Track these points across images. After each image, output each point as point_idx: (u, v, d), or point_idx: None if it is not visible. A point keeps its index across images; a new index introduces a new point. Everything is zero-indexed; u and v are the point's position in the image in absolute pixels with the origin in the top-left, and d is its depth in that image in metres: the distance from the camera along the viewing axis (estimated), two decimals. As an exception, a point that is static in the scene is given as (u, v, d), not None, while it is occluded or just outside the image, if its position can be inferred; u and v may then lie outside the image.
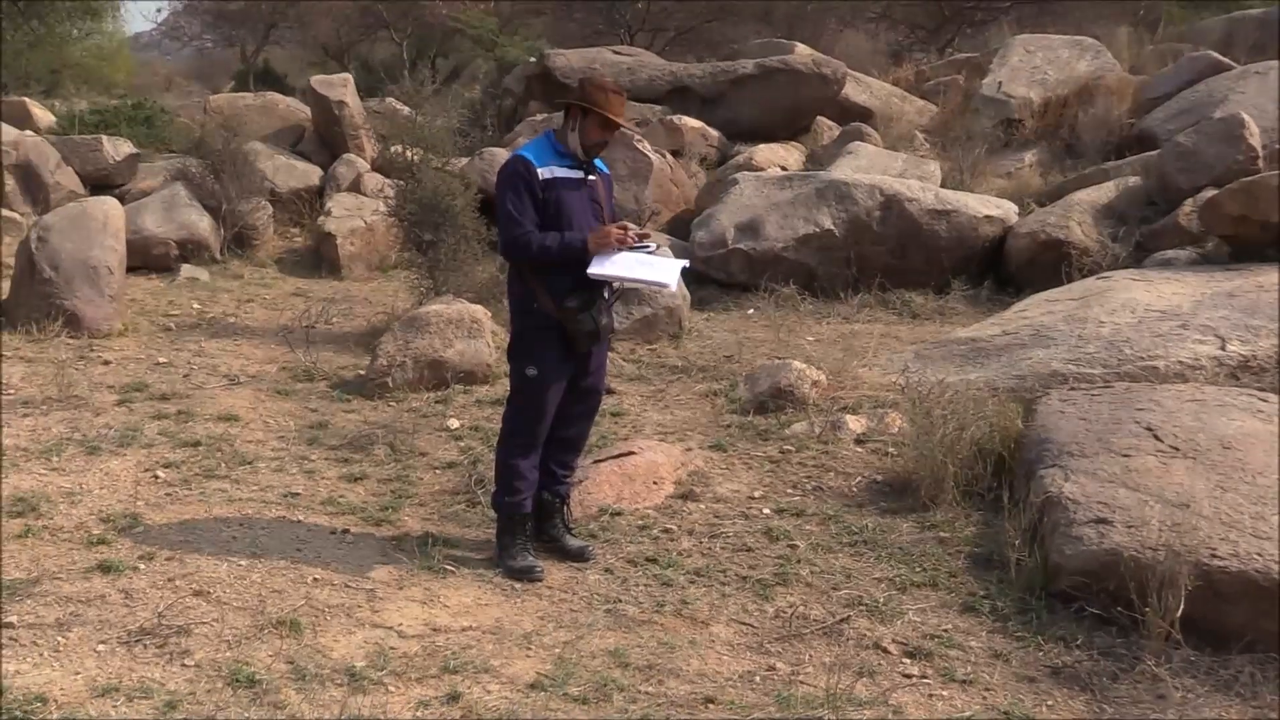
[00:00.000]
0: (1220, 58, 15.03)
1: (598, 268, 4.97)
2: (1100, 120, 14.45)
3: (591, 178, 5.19)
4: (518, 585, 5.03)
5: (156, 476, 6.18)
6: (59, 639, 4.37)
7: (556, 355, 5.09)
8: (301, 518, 5.71)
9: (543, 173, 5.03)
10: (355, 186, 13.65)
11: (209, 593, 4.81)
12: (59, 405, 7.30)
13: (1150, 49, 18.07)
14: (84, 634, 4.43)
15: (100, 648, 4.34)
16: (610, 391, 7.71)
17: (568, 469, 5.44)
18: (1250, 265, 8.63)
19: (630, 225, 5.18)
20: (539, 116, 14.62)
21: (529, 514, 5.26)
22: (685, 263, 5.25)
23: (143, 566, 5.04)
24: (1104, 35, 18.05)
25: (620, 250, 5.02)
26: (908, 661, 4.47)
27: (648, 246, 5.13)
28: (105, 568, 4.99)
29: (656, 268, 5.07)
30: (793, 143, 15.39)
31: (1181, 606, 4.40)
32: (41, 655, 4.26)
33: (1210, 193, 9.55)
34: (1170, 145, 11.28)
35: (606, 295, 5.20)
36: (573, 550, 5.33)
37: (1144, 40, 18.89)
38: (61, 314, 9.06)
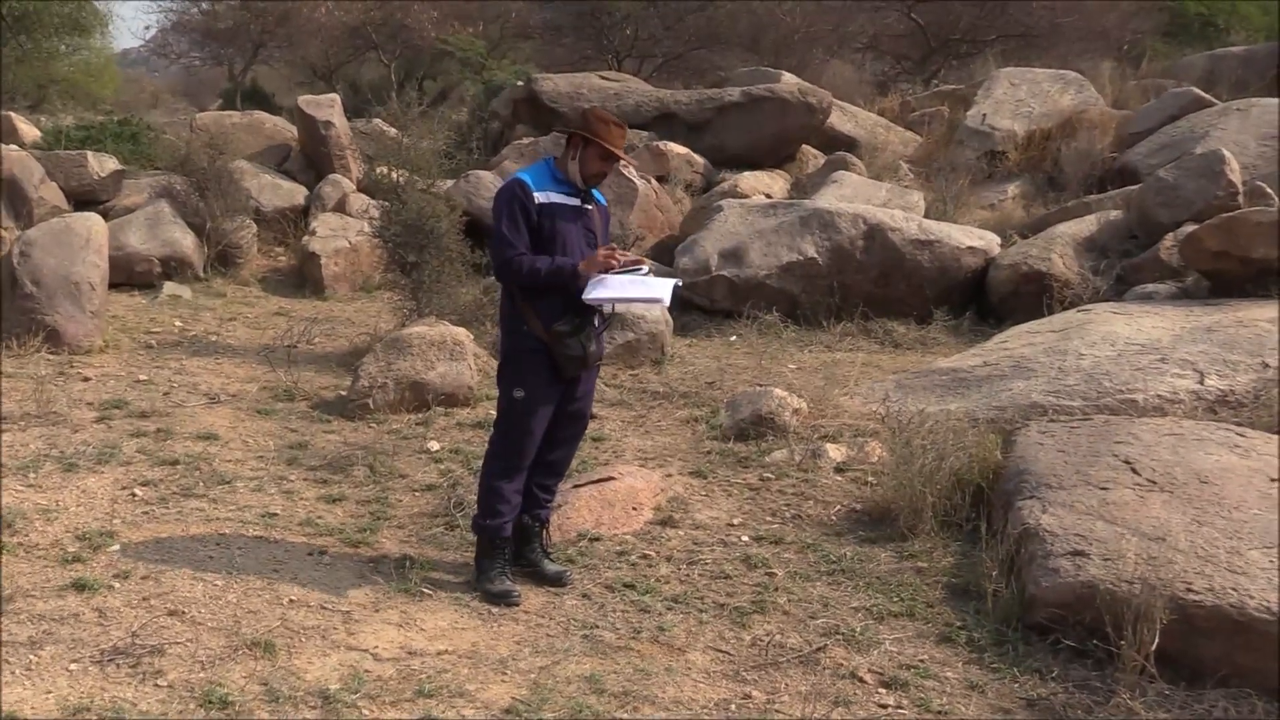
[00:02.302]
0: (1202, 94, 15.18)
1: (592, 293, 4.98)
2: (1083, 154, 14.56)
3: (588, 207, 5.20)
4: (494, 609, 5.02)
5: (134, 495, 6.15)
6: (31, 657, 4.34)
7: (545, 379, 5.09)
8: (279, 538, 5.68)
9: (539, 197, 5.05)
10: (340, 207, 13.65)
11: (184, 612, 4.78)
12: (37, 421, 7.27)
13: (1133, 84, 18.24)
14: (56, 652, 4.40)
15: (73, 667, 4.31)
16: (592, 416, 7.71)
17: (549, 493, 5.43)
18: (1230, 300, 8.70)
19: (618, 248, 5.20)
20: (525, 140, 14.66)
21: (509, 538, 5.25)
22: (678, 281, 5.26)
23: (118, 585, 5.01)
24: (1088, 69, 18.23)
25: (611, 275, 5.04)
26: (883, 691, 4.46)
27: (639, 269, 5.15)
28: (80, 586, 4.96)
29: (650, 286, 5.09)
30: (778, 170, 15.49)
31: (1156, 640, 4.40)
32: (13, 674, 4.22)
33: (1191, 228, 9.63)
34: (1152, 180, 11.37)
35: (597, 322, 5.21)
36: (550, 575, 5.32)
37: (1127, 75, 19.06)
38: (42, 330, 9.03)
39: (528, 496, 5.33)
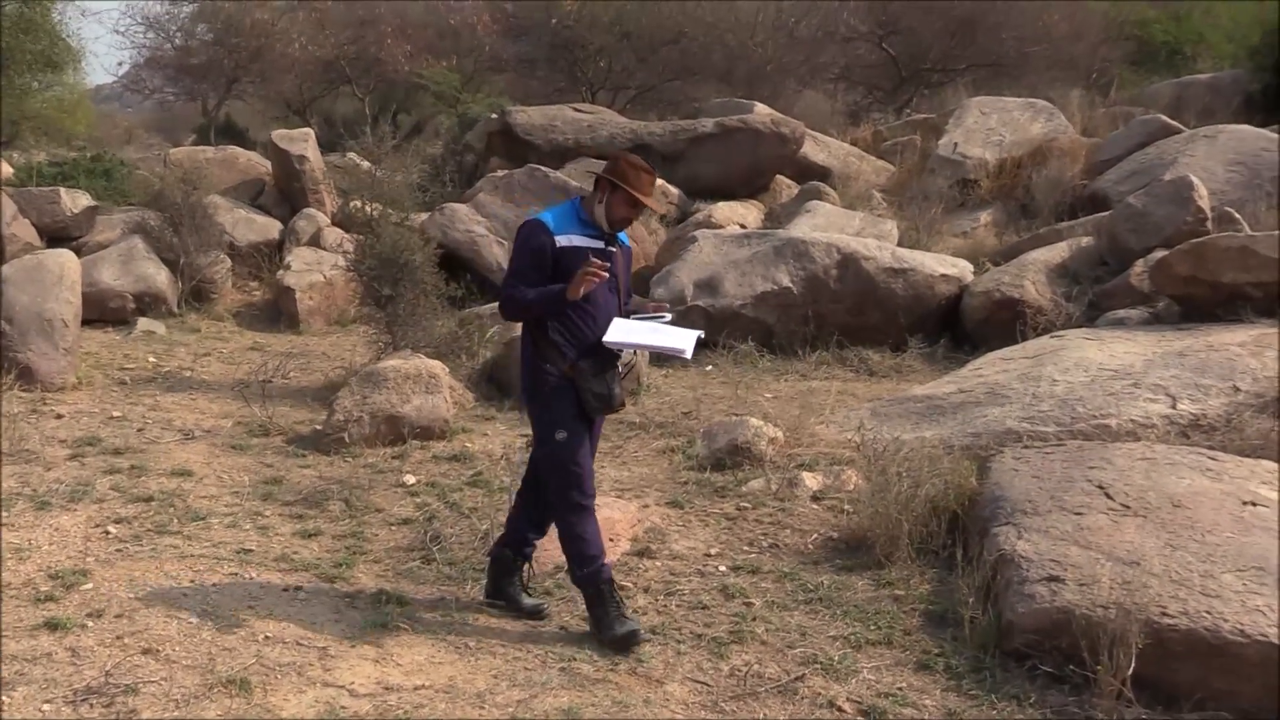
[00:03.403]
0: (1170, 121, 15.34)
1: (613, 335, 4.94)
2: (1054, 181, 14.69)
3: (612, 249, 5.10)
4: (471, 643, 4.99)
5: (107, 532, 6.11)
6: (4, 698, 4.30)
7: (575, 413, 5.00)
8: (254, 574, 5.65)
9: (560, 240, 4.97)
10: (315, 241, 13.65)
11: (158, 651, 4.75)
12: (9, 459, 7.22)
13: (1102, 111, 18.42)
14: (29, 693, 4.35)
15: (45, 707, 4.27)
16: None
17: (540, 533, 5.37)
18: (1200, 325, 8.77)
19: (595, 260, 4.94)
20: (500, 173, 14.70)
21: (611, 579, 5.11)
22: (700, 332, 5.20)
23: (91, 624, 4.97)
24: (1057, 98, 18.39)
25: (633, 320, 5.03)
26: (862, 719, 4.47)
27: (663, 316, 5.12)
28: (53, 625, 4.91)
29: (672, 335, 5.03)
30: (752, 201, 15.55)
31: (1133, 664, 4.42)
32: (-16, 715, 4.18)
33: (1161, 253, 9.72)
34: (1122, 206, 11.48)
35: (620, 368, 5.15)
36: (528, 609, 5.30)
37: (1096, 103, 19.25)
38: (15, 367, 8.98)
39: (516, 533, 5.29)
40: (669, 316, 5.17)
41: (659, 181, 14.84)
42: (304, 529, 6.34)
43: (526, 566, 5.41)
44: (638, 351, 5.33)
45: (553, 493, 5.11)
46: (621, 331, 4.96)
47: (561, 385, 4.99)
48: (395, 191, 10.66)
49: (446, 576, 5.69)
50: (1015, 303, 10.64)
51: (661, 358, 9.28)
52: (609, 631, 5.00)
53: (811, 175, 16.22)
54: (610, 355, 5.06)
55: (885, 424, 7.65)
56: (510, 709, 4.43)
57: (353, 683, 4.58)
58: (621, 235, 5.25)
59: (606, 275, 4.93)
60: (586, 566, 5.04)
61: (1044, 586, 4.87)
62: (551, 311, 4.97)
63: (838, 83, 27.42)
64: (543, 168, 13.91)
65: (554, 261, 4.96)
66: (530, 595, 5.40)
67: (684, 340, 5.02)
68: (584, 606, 5.23)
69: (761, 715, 4.48)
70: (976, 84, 23.25)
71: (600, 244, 5.06)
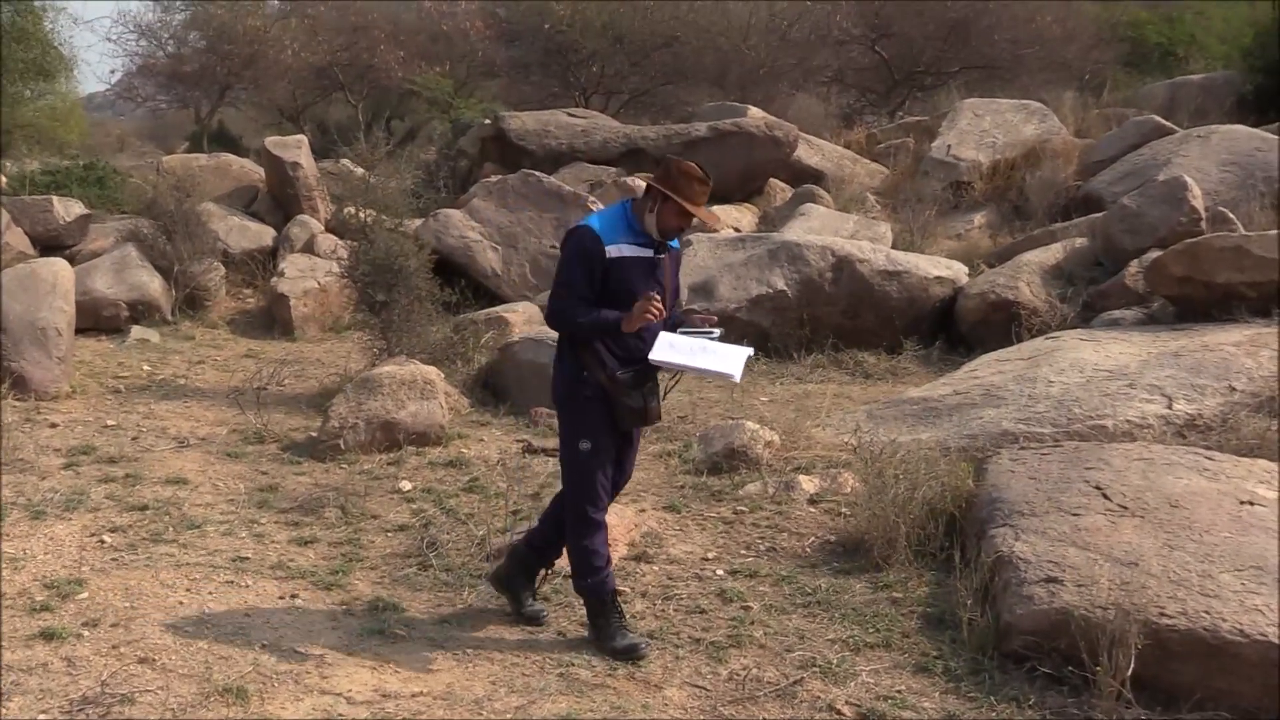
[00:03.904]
0: (1163, 122, 15.36)
1: (659, 354, 4.78)
2: (1047, 182, 14.69)
3: (661, 256, 4.95)
4: (469, 650, 4.98)
5: (103, 541, 6.09)
6: (0, 709, 4.28)
7: (605, 427, 4.92)
8: (250, 582, 5.63)
9: (610, 251, 4.80)
10: (309, 247, 13.61)
11: (154, 660, 4.73)
12: (4, 468, 7.19)
13: (1095, 113, 18.42)
14: (25, 703, 4.34)
15: (41, 717, 4.25)
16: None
17: (562, 545, 5.24)
18: (1195, 325, 8.77)
19: (656, 297, 4.79)
20: (494, 178, 14.67)
21: (615, 590, 5.09)
22: (750, 351, 5.04)
23: (86, 633, 4.96)
24: (1050, 99, 18.40)
25: (679, 334, 4.86)
26: (861, 723, 4.45)
27: (711, 332, 4.94)
28: (48, 635, 4.90)
29: (720, 356, 4.84)
30: (746, 204, 15.55)
31: (1132, 665, 4.41)
32: (-20, 726, 4.16)
33: (1155, 254, 9.72)
34: (1116, 207, 11.49)
35: (659, 381, 5.02)
36: (528, 613, 5.28)
37: (1089, 104, 19.25)
38: (8, 376, 8.95)
39: (544, 537, 5.23)
40: (717, 333, 4.98)
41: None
42: (300, 536, 6.32)
43: (545, 574, 5.37)
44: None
45: (568, 499, 5.07)
46: (667, 350, 4.79)
47: (596, 395, 4.89)
48: (389, 198, 10.64)
49: (443, 583, 5.68)
50: (1010, 304, 10.63)
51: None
52: (610, 643, 4.98)
53: (805, 178, 16.22)
54: (649, 367, 4.90)
55: (881, 426, 7.64)
56: (508, 715, 4.41)
57: (350, 690, 4.57)
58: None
59: (664, 313, 4.79)
60: (591, 577, 5.01)
61: (1042, 588, 4.87)
62: (603, 336, 4.85)
63: (831, 86, 27.43)
64: (536, 173, 13.89)
65: (605, 271, 4.82)
66: (534, 600, 5.36)
67: (733, 363, 4.84)
68: (582, 612, 5.22)
69: (760, 719, 4.47)
70: (969, 86, 23.27)
71: (649, 253, 4.90)
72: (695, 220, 5.05)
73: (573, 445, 4.96)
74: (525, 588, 5.33)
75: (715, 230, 12.27)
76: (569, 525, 5.07)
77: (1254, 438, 6.83)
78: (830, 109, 24.08)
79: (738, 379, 4.88)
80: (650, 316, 4.74)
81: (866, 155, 18.19)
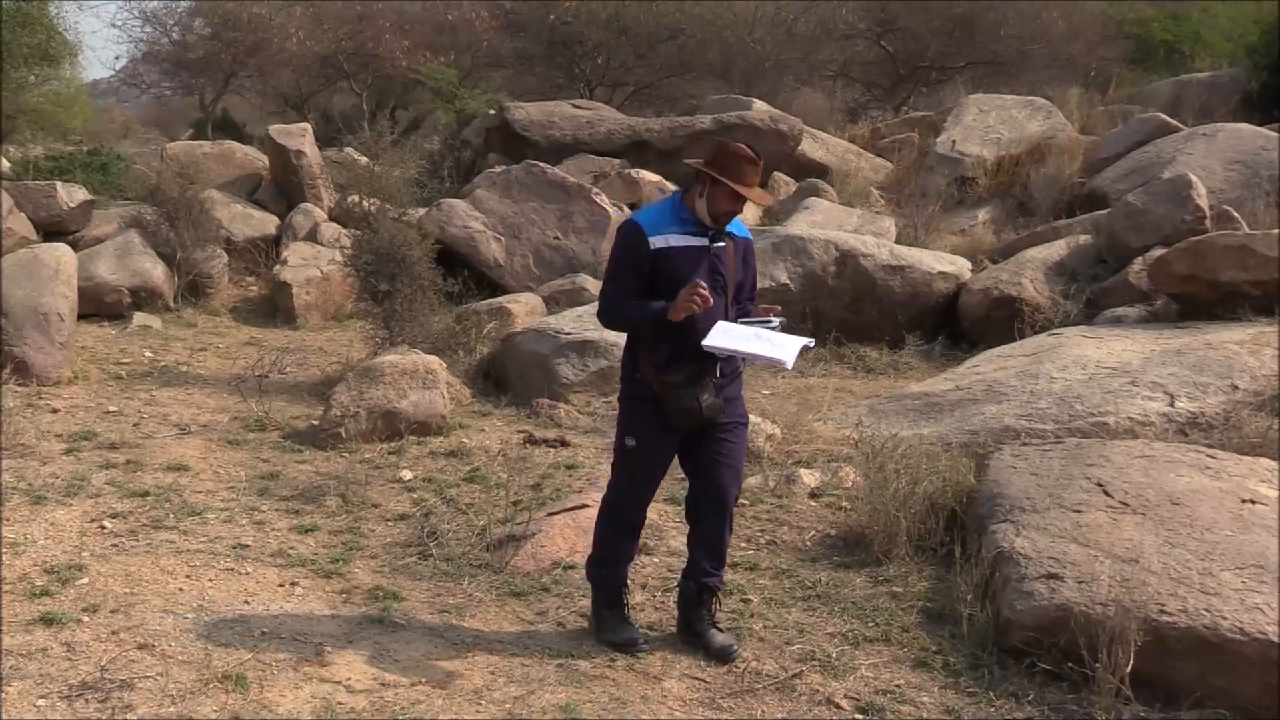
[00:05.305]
0: (1168, 119, 15.35)
1: (712, 340, 4.62)
2: (1052, 179, 14.68)
3: (718, 244, 4.78)
4: (468, 639, 4.97)
5: (103, 527, 6.09)
6: (-2, 693, 4.28)
7: (657, 428, 4.77)
8: (250, 570, 5.63)
9: (655, 242, 4.67)
10: (312, 236, 13.62)
11: (153, 646, 4.72)
12: (5, 454, 7.19)
13: (1100, 110, 18.42)
14: (24, 688, 4.33)
15: (40, 702, 4.25)
16: (564, 444, 7.70)
17: (715, 559, 4.98)
18: (1198, 323, 8.78)
19: (703, 285, 4.59)
20: (498, 169, 14.67)
21: (624, 585, 5.02)
22: (809, 340, 4.87)
23: (86, 619, 4.95)
24: (1056, 96, 18.39)
25: (738, 323, 4.72)
26: (860, 717, 4.45)
27: (770, 321, 4.78)
28: (48, 620, 4.89)
29: (775, 344, 4.68)
30: (750, 197, 15.50)
31: (1131, 662, 4.41)
32: (-21, 710, 4.16)
33: (1159, 252, 9.72)
34: (1120, 205, 11.48)
35: (718, 374, 4.81)
36: (716, 648, 4.89)
37: (1094, 101, 19.26)
38: (10, 361, 8.96)
39: (692, 562, 4.98)
40: (777, 322, 4.80)
41: (656, 177, 14.87)
42: (300, 524, 6.32)
43: (715, 599, 5.02)
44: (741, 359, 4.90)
45: (608, 492, 5.01)
46: (722, 336, 4.64)
47: (647, 394, 4.76)
48: (393, 187, 10.62)
49: (443, 572, 5.68)
50: (1013, 300, 10.63)
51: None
52: (607, 634, 4.96)
53: (809, 172, 16.21)
54: (706, 360, 4.72)
55: (883, 421, 7.64)
56: (507, 705, 4.41)
57: (349, 679, 4.57)
58: (737, 223, 4.90)
59: (710, 300, 4.60)
60: (604, 566, 4.99)
61: (1042, 584, 4.86)
62: (651, 329, 4.74)
63: (836, 80, 27.42)
64: (540, 164, 13.88)
65: (651, 263, 4.71)
66: (720, 632, 4.98)
67: (787, 350, 4.67)
68: (583, 604, 5.22)
69: (759, 712, 4.47)
70: (975, 82, 23.27)
71: (703, 241, 4.74)
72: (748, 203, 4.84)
73: (621, 439, 4.89)
74: (702, 621, 4.98)
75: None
76: (601, 512, 5.01)
77: (1256, 436, 6.83)
78: (835, 103, 24.09)
79: (789, 366, 4.74)
80: (695, 304, 4.56)
81: (871, 150, 18.19)
